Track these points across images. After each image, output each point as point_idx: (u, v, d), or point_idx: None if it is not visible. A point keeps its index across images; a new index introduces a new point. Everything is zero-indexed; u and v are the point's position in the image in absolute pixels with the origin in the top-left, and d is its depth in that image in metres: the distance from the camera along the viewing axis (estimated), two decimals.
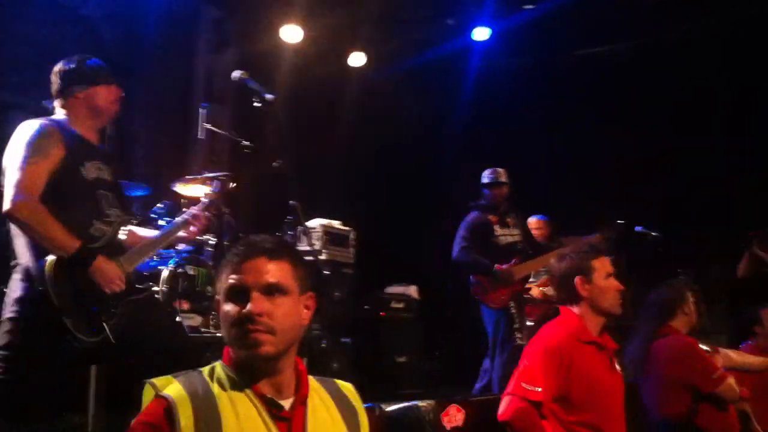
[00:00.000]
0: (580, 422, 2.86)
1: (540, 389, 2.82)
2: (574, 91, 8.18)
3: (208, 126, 5.22)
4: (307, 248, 4.95)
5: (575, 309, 3.06)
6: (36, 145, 2.81)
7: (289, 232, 4.51)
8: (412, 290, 6.55)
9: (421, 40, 8.16)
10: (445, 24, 7.99)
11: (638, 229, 6.17)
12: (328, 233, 5.87)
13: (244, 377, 1.68)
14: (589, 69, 8.23)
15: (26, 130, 2.86)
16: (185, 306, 4.64)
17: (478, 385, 5.30)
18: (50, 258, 2.69)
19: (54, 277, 2.67)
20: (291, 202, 3.44)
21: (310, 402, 1.75)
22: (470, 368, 5.69)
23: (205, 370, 1.71)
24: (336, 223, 6.03)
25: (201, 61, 7.33)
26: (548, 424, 2.84)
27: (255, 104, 3.47)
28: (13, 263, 2.85)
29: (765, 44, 7.13)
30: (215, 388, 1.65)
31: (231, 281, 1.70)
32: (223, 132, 5.52)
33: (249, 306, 1.66)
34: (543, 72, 8.40)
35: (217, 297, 1.77)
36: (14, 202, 2.71)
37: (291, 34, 7.32)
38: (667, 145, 7.83)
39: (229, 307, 1.69)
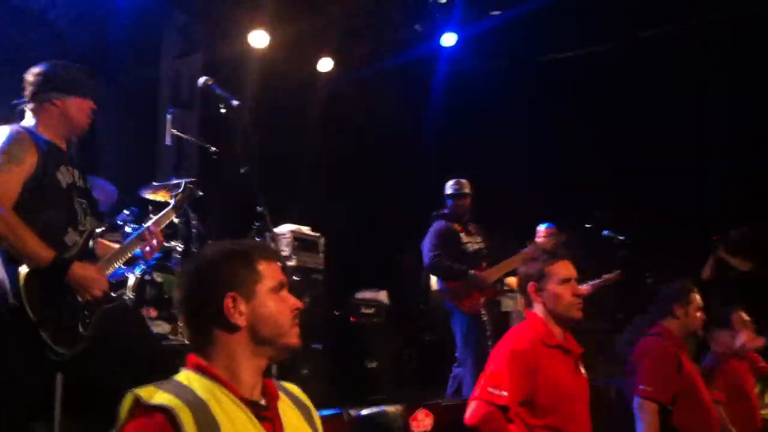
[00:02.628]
0: (545, 426, 2.88)
1: (506, 393, 2.83)
2: (542, 95, 8.27)
3: (175, 132, 5.18)
4: None
5: (539, 313, 3.07)
6: (8, 152, 2.76)
7: (257, 239, 4.49)
8: (383, 295, 6.54)
9: (389, 45, 8.18)
10: (413, 30, 8.02)
11: (605, 232, 6.24)
12: (298, 239, 5.84)
13: (221, 382, 1.68)
14: (557, 73, 8.32)
15: None
16: (153, 313, 4.59)
17: (449, 392, 5.32)
18: (23, 270, 2.65)
19: (28, 290, 2.63)
20: (259, 207, 3.42)
21: (279, 403, 1.78)
22: (439, 374, 5.71)
23: (181, 377, 1.69)
24: (305, 229, 6.00)
25: (167, 66, 7.28)
26: (515, 427, 2.85)
27: (221, 110, 3.45)
28: None
29: (735, 44, 7.26)
30: (201, 393, 1.62)
31: (282, 276, 1.80)
32: (190, 138, 5.49)
33: (297, 300, 1.78)
34: (511, 77, 8.47)
35: (231, 293, 1.72)
36: None
37: (258, 39, 7.28)
38: (635, 149, 7.93)
39: (280, 300, 1.77)
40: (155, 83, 7.12)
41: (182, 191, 3.50)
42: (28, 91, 2.99)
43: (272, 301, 1.74)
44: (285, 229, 5.79)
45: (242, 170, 3.41)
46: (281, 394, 1.81)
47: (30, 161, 2.80)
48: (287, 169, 7.52)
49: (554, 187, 8.04)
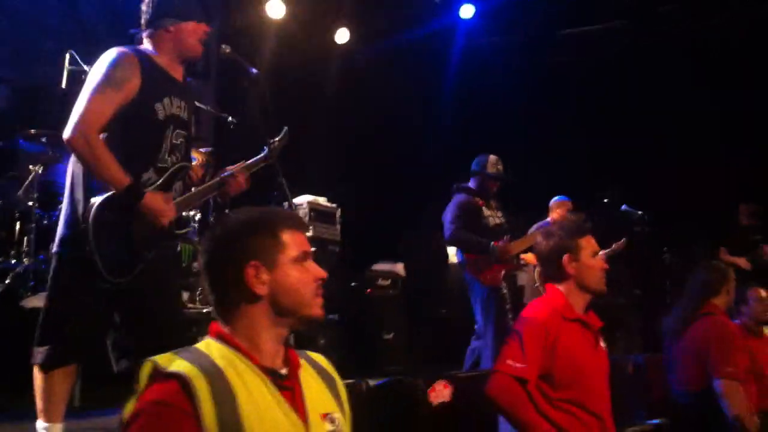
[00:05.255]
0: (565, 399, 2.87)
1: (525, 366, 2.83)
2: (561, 70, 8.19)
3: None
4: None
5: (560, 287, 3.06)
6: (110, 74, 2.78)
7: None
8: (399, 268, 6.54)
9: (406, 17, 8.10)
10: (431, 1, 7.93)
11: (623, 208, 6.20)
12: (315, 210, 5.85)
13: (241, 350, 1.67)
14: (576, 48, 8.24)
15: (106, 57, 2.83)
16: None
17: (466, 365, 5.33)
18: (98, 198, 2.70)
19: (97, 217, 2.68)
20: (278, 178, 3.40)
21: (301, 372, 1.77)
22: (455, 346, 5.72)
23: (200, 345, 1.68)
24: (322, 200, 6.00)
25: None
26: (534, 400, 2.86)
27: (239, 79, 3.43)
28: (66, 191, 2.86)
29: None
30: (219, 362, 1.62)
31: (307, 246, 1.77)
32: (207, 107, 5.48)
33: (321, 270, 1.76)
34: (530, 50, 8.39)
35: (253, 261, 1.71)
36: (72, 133, 2.72)
37: (275, 9, 7.23)
38: (655, 126, 7.86)
39: (303, 270, 1.74)
40: None
41: (281, 138, 3.33)
42: (144, 18, 2.99)
43: (295, 271, 1.72)
44: (302, 199, 5.79)
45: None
46: (304, 363, 1.81)
47: (130, 87, 2.80)
48: (303, 140, 7.47)
49: (571, 163, 7.99)
